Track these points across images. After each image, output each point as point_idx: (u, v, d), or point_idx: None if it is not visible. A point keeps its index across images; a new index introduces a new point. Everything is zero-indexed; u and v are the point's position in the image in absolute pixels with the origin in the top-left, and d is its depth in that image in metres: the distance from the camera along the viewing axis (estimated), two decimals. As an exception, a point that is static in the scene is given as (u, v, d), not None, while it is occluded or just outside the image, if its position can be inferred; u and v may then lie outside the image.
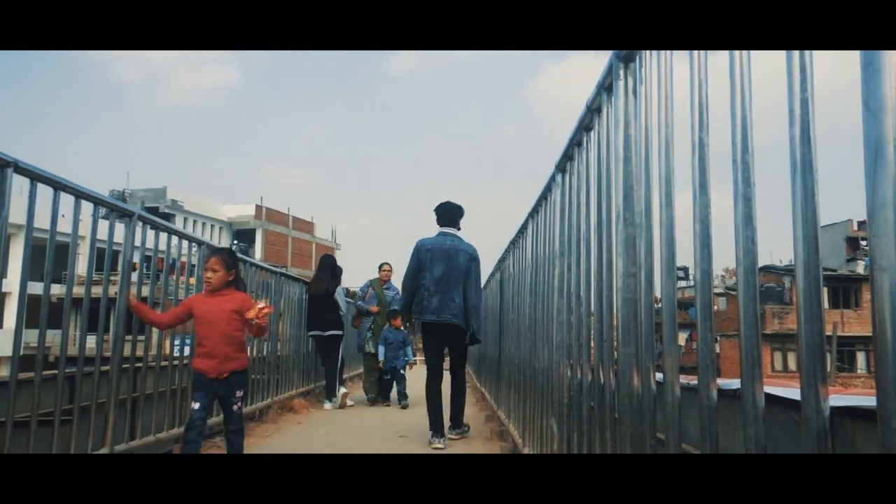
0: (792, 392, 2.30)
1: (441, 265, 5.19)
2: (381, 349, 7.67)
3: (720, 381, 1.82)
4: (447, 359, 5.57)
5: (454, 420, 5.41)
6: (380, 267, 8.54)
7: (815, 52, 1.02)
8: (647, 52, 1.69)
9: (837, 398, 2.19)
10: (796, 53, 1.03)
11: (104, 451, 3.42)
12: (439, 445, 4.95)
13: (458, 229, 5.50)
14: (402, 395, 7.69)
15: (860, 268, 34.36)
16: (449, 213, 5.48)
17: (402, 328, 7.39)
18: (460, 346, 5.46)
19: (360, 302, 8.38)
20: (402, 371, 7.82)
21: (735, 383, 2.16)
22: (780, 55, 1.06)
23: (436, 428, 5.05)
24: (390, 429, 5.85)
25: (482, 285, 5.85)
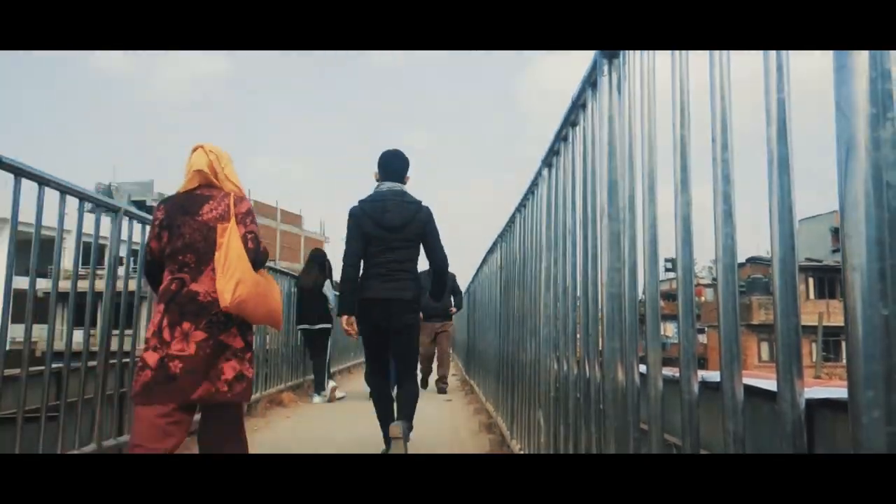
0: (773, 384, 2.33)
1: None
2: None
3: (703, 373, 1.84)
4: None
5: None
6: None
7: (792, 52, 1.03)
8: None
9: (818, 391, 2.22)
10: (773, 53, 1.04)
11: (91, 446, 3.41)
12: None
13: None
14: None
15: (845, 258, 34.48)
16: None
17: None
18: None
19: None
20: None
21: (718, 375, 2.18)
22: (758, 53, 1.07)
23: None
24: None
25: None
